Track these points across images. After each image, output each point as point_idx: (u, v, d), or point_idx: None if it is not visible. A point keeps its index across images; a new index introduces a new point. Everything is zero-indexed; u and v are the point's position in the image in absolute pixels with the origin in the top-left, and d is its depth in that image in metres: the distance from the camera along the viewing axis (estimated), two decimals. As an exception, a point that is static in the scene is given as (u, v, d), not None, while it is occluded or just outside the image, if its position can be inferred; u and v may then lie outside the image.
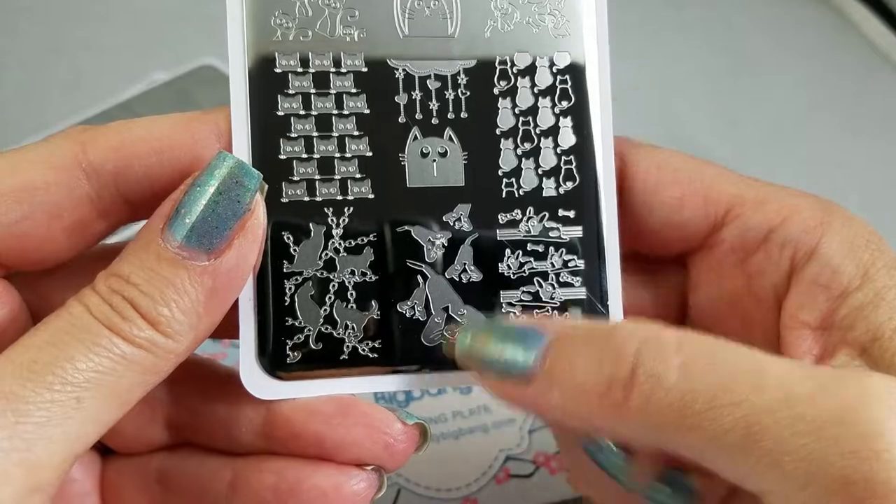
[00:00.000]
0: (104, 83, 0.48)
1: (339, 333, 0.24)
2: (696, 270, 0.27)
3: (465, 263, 0.24)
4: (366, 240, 0.24)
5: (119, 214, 0.23)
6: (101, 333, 0.20)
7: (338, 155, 0.24)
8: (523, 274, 0.24)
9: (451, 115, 0.24)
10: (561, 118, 0.25)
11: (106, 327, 0.20)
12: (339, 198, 0.24)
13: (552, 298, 0.25)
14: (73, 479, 0.24)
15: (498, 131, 0.24)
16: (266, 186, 0.23)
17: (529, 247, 0.24)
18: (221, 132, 0.23)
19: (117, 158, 0.22)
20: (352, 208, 0.24)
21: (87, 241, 0.23)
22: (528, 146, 0.24)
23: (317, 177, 0.23)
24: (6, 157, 0.22)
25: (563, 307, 0.25)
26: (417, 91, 0.24)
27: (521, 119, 0.24)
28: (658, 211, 0.26)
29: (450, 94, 0.24)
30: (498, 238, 0.24)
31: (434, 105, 0.24)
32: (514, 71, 0.24)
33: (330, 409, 0.23)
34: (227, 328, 0.23)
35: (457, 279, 0.24)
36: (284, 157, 0.23)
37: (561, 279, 0.25)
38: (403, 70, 0.24)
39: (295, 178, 0.23)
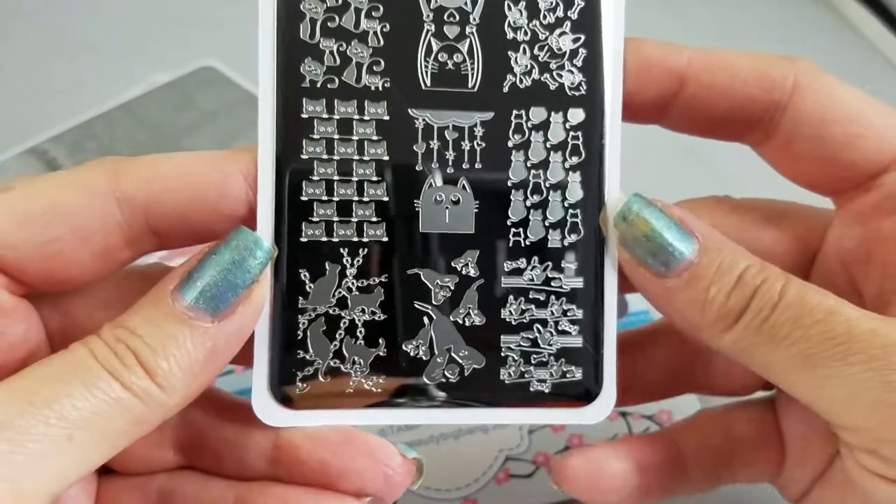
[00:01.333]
0: (105, 84, 0.48)
1: (346, 368, 0.25)
2: (843, 211, 0.27)
3: (469, 307, 0.25)
4: (377, 280, 0.25)
5: (144, 244, 0.24)
6: (101, 376, 0.21)
7: (356, 198, 0.25)
8: (524, 320, 0.26)
9: (465, 166, 0.25)
10: (570, 173, 0.26)
11: (107, 371, 0.21)
12: (355, 239, 0.25)
13: (549, 345, 0.26)
14: (70, 495, 0.25)
15: (509, 183, 0.25)
16: (276, 253, 0.24)
17: (532, 295, 0.26)
18: (249, 172, 0.24)
19: (149, 190, 0.23)
20: (366, 250, 0.25)
21: (111, 267, 0.24)
22: (537, 198, 0.26)
23: (335, 218, 0.24)
24: (42, 180, 0.23)
25: (559, 354, 0.26)
26: (436, 140, 0.25)
27: (533, 172, 0.25)
28: (827, 145, 0.26)
29: (466, 145, 0.25)
30: (503, 285, 0.25)
31: (451, 155, 0.25)
32: (529, 125, 0.25)
33: (335, 438, 0.24)
34: (242, 356, 0.24)
35: (461, 322, 0.25)
36: (306, 199, 0.24)
37: (559, 327, 0.26)
38: (423, 120, 0.25)
39: (314, 219, 0.24)
